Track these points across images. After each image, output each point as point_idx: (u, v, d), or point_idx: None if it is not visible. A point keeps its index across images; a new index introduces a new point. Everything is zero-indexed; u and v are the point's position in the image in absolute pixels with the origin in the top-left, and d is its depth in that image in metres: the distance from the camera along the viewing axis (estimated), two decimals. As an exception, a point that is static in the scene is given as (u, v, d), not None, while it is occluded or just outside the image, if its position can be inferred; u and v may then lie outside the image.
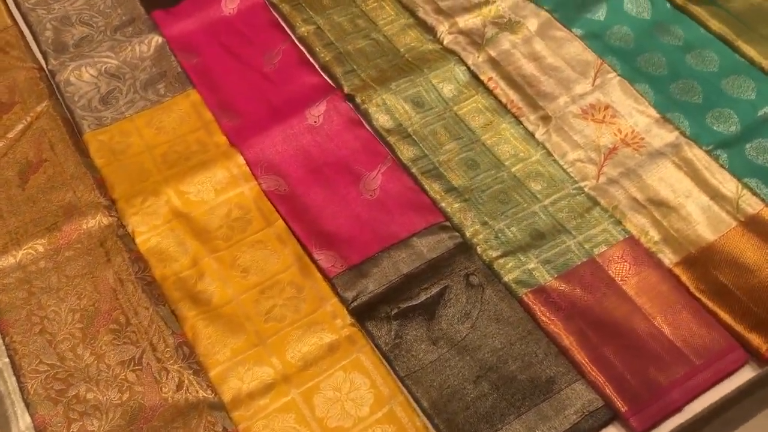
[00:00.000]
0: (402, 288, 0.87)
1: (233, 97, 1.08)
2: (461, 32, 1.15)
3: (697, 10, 1.16)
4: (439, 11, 1.18)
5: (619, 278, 0.87)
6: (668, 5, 1.18)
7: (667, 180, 0.96)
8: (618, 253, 0.89)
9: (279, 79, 1.10)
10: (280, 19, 1.20)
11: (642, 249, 0.90)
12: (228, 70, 1.12)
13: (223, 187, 0.97)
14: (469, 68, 1.10)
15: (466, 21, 1.16)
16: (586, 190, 0.96)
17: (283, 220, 0.93)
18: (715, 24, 1.14)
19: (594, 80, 1.08)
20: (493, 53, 1.12)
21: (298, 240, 0.92)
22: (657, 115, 1.03)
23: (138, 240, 0.91)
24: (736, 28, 1.13)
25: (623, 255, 0.89)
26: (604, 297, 0.86)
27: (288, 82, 1.10)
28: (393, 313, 0.85)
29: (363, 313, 0.85)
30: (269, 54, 1.14)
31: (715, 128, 1.02)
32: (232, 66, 1.13)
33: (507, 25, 1.16)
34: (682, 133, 1.01)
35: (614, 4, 1.17)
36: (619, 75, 1.08)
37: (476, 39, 1.14)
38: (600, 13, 1.17)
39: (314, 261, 0.90)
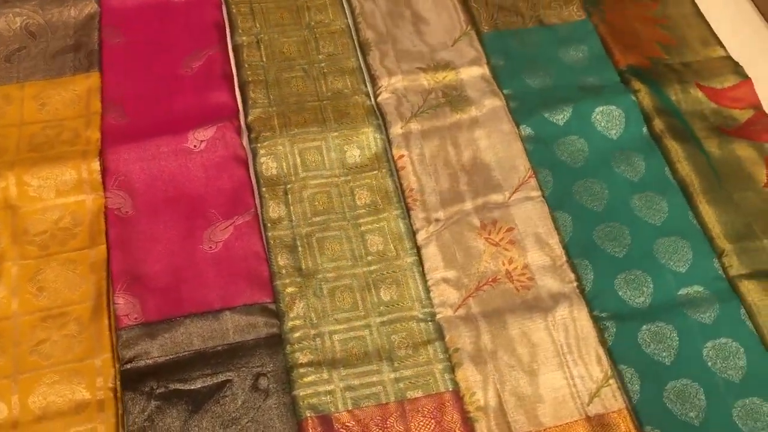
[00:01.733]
0: (185, 365, 0.78)
1: (135, 93, 1.00)
2: (402, 92, 1.02)
3: (674, 145, 0.99)
4: (391, 60, 1.05)
5: (417, 437, 0.76)
6: (644, 130, 1.02)
7: (531, 338, 0.83)
8: (431, 405, 0.78)
9: (189, 87, 1.02)
10: (226, 20, 1.11)
11: (459, 410, 0.77)
12: (146, 62, 1.04)
13: (66, 189, 0.90)
14: (387, 138, 0.98)
15: (414, 80, 1.03)
16: (437, 318, 0.84)
17: (107, 246, 0.86)
18: (684, 168, 0.97)
19: (513, 193, 0.94)
20: (424, 126, 0.99)
21: (109, 274, 0.84)
22: (563, 258, 0.89)
23: (-46, 222, 0.86)
24: (706, 181, 0.96)
25: (434, 410, 0.77)
26: (389, 453, 0.75)
27: (197, 92, 1.01)
28: (158, 391, 0.76)
29: (130, 380, 0.77)
30: (193, 55, 1.05)
31: (620, 293, 0.87)
32: (152, 58, 1.04)
33: (455, 99, 1.02)
34: (580, 289, 0.87)
35: (582, 110, 1.02)
36: (543, 197, 0.94)
37: (415, 104, 1.01)
38: (561, 117, 1.01)
39: (113, 303, 0.82)
